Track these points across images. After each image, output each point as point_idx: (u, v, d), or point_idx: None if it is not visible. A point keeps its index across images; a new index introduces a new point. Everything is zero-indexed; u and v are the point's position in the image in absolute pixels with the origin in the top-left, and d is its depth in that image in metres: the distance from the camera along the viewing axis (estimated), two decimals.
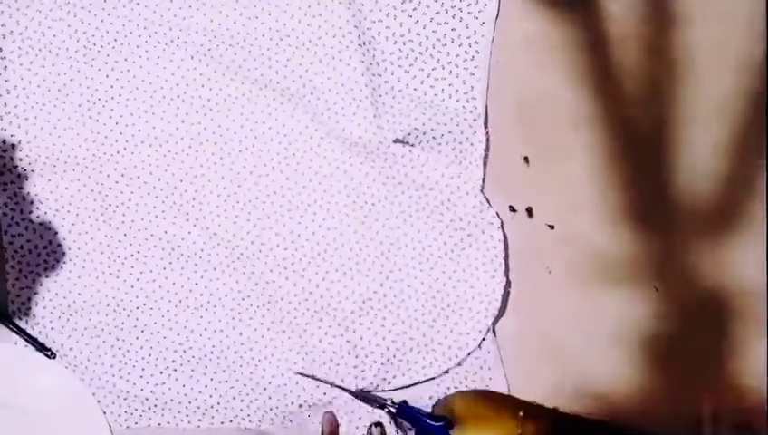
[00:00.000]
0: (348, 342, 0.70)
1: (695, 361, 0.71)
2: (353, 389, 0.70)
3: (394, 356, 0.70)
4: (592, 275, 0.71)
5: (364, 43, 0.68)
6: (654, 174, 0.71)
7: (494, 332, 0.70)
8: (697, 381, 0.71)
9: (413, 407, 0.68)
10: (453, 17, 0.68)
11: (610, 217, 0.70)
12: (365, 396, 0.70)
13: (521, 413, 0.62)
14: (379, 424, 0.67)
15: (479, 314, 0.69)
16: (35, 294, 0.70)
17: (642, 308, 0.70)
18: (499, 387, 0.70)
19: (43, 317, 0.70)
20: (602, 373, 0.71)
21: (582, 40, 0.70)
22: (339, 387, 0.70)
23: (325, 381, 0.70)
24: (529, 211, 0.71)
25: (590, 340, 0.71)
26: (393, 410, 0.68)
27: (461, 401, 0.66)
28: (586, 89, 0.70)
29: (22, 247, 0.69)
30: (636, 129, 0.70)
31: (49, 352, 0.70)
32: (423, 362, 0.70)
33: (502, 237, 0.69)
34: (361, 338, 0.70)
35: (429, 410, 0.68)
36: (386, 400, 0.69)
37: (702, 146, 0.70)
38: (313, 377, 0.70)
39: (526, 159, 0.70)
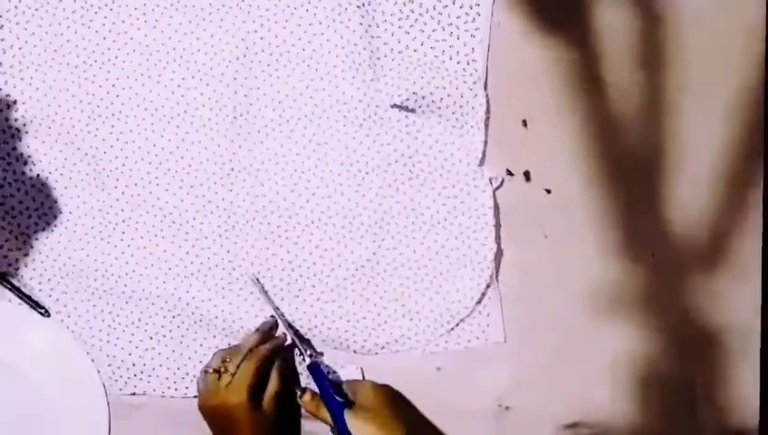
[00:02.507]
0: (340, 307, 0.70)
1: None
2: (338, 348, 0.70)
3: (385, 322, 0.70)
4: (588, 239, 0.69)
5: (363, 5, 0.67)
6: (651, 141, 0.69)
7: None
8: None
9: (322, 371, 0.66)
10: None
11: (608, 181, 0.69)
12: (299, 335, 0.69)
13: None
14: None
15: (471, 281, 0.68)
16: (25, 255, 0.69)
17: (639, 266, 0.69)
18: (496, 335, 0.70)
19: (31, 278, 0.69)
20: (598, 341, 0.70)
21: (582, 5, 0.68)
22: (280, 317, 0.69)
23: (268, 300, 0.68)
24: (526, 175, 0.69)
25: (585, 303, 0.69)
26: (307, 360, 0.67)
27: (368, 391, 0.65)
28: (586, 51, 0.68)
29: (13, 208, 0.69)
30: (635, 94, 0.68)
31: (43, 310, 0.70)
32: (415, 329, 0.69)
33: (492, 205, 0.68)
34: (353, 303, 0.70)
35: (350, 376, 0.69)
36: (307, 350, 0.68)
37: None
38: (261, 287, 0.69)
39: (524, 122, 0.69)
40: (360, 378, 0.70)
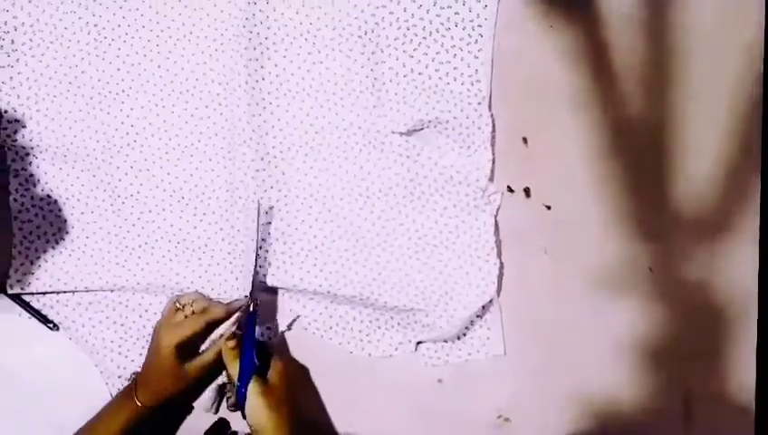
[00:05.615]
0: (347, 312, 0.72)
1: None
2: None
3: (392, 328, 0.72)
4: (587, 255, 0.69)
5: (366, 33, 0.68)
6: (651, 156, 0.69)
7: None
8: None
9: (256, 325, 0.66)
10: (456, 1, 0.67)
11: (607, 198, 0.69)
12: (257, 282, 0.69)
13: None
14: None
15: (476, 297, 0.68)
16: (38, 279, 0.71)
17: (635, 307, 0.70)
18: (496, 349, 0.70)
19: (47, 291, 0.71)
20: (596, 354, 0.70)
21: (582, 22, 0.68)
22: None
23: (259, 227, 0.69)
24: (526, 192, 0.69)
25: (585, 318, 0.70)
26: (252, 309, 0.66)
27: (280, 368, 0.65)
28: (585, 70, 0.68)
29: (31, 233, 0.71)
30: (633, 110, 0.68)
31: (51, 325, 0.71)
32: (416, 341, 0.71)
33: (493, 222, 0.68)
34: (360, 312, 0.71)
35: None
36: (257, 300, 0.67)
37: (700, 140, 0.69)
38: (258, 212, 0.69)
39: (525, 139, 0.69)
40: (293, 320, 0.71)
